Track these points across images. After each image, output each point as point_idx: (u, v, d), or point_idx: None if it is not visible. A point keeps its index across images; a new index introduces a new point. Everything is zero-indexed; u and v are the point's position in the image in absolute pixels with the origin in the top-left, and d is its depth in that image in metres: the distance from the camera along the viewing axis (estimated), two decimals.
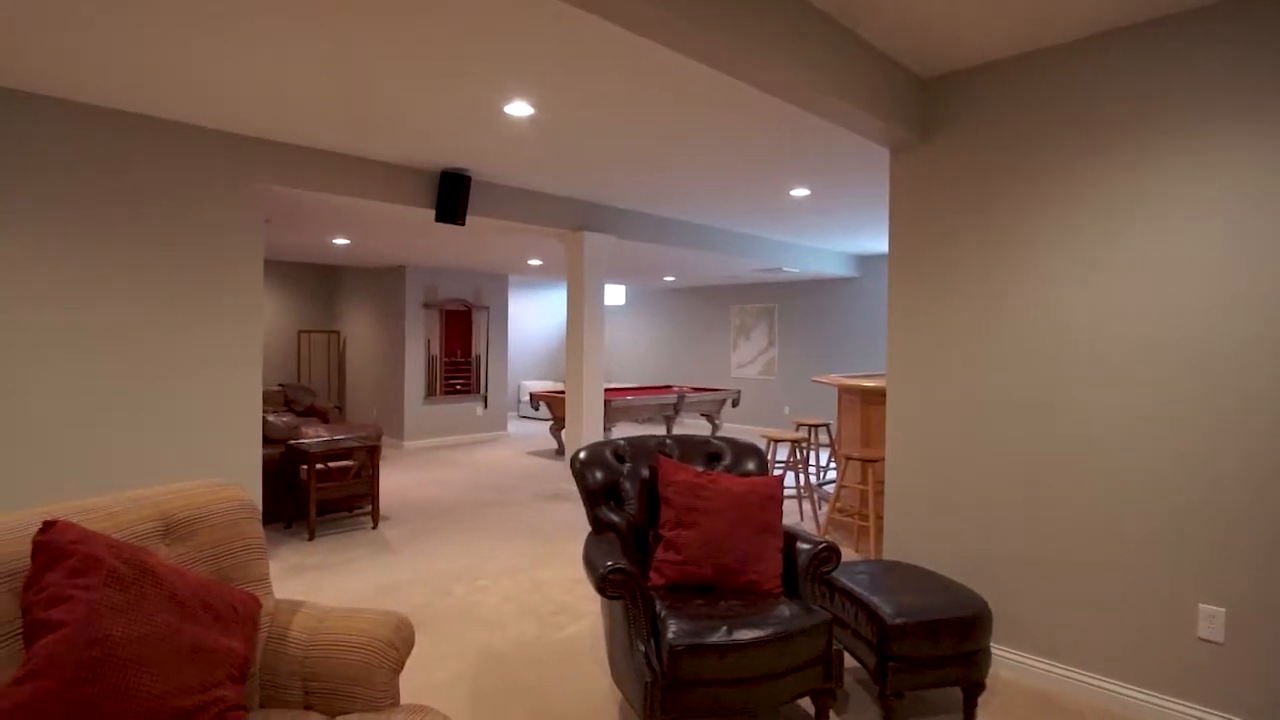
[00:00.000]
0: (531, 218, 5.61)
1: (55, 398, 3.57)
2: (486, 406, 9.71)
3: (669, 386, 10.09)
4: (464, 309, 9.42)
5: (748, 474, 2.99)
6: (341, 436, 5.04)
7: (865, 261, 9.56)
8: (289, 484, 5.14)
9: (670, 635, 2.19)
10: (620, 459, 2.92)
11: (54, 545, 1.46)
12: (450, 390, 9.25)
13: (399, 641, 1.83)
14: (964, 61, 3.06)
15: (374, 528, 5.11)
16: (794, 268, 8.61)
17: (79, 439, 3.65)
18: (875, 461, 4.27)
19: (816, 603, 2.53)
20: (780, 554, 2.65)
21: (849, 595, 2.68)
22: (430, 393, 9.04)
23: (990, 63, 3.04)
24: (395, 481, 6.81)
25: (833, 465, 7.29)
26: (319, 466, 4.89)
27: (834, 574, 2.81)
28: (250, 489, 4.28)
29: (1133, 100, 2.66)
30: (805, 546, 2.62)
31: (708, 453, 3.07)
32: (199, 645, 1.56)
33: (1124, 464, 2.68)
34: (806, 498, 5.71)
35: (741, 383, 10.99)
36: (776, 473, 6.59)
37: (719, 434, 2.92)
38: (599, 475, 2.80)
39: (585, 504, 2.76)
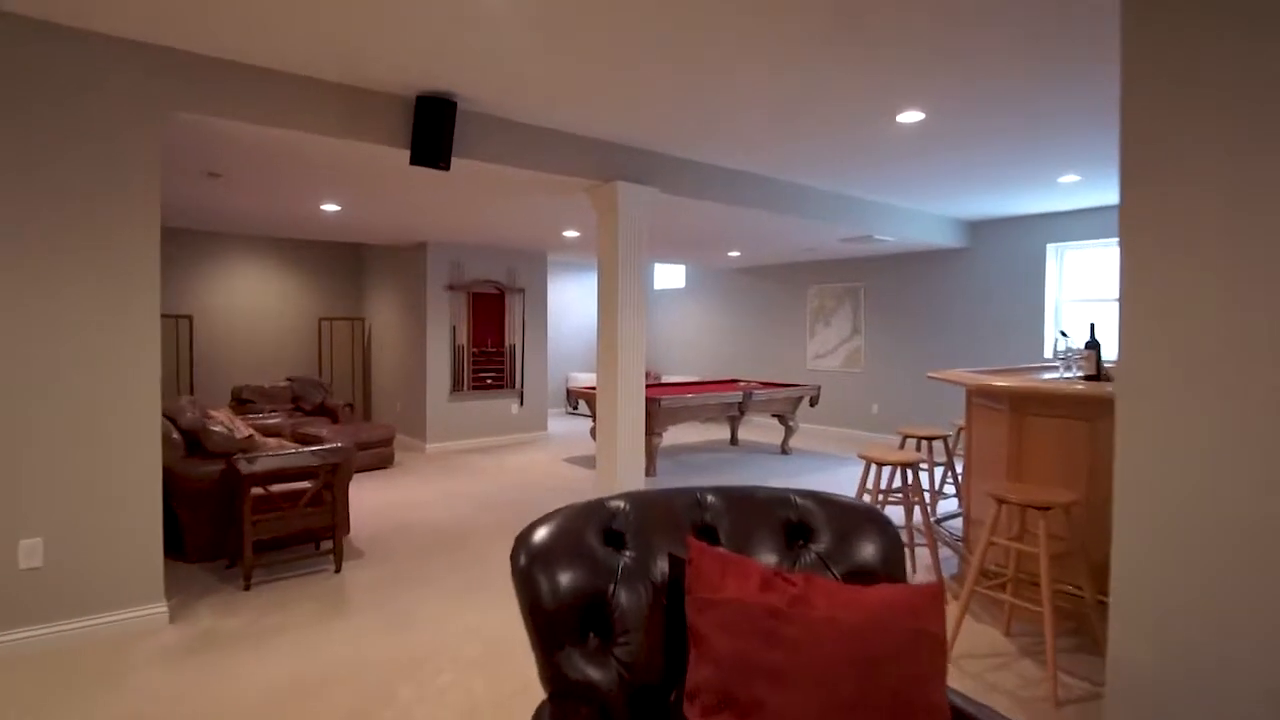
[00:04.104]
0: (544, 162, 4.25)
1: None
2: (522, 403, 8.48)
3: (734, 381, 8.61)
4: (495, 292, 8.19)
5: (863, 573, 1.55)
6: (291, 452, 3.83)
7: (977, 228, 7.80)
8: (232, 511, 3.98)
9: None
10: (615, 540, 1.52)
11: None
12: (480, 385, 8.07)
13: None
14: None
15: (337, 571, 3.90)
16: (887, 236, 6.97)
17: None
18: (1047, 509, 2.72)
19: None
20: None
21: None
22: (456, 388, 7.87)
23: None
24: (397, 495, 5.64)
25: (948, 484, 5.67)
26: (258, 491, 3.70)
27: None
28: (146, 521, 3.12)
29: None
30: None
31: (783, 523, 1.64)
32: None
33: None
34: (923, 544, 4.16)
35: (820, 376, 9.39)
36: (892, 514, 5.04)
37: (803, 493, 1.45)
38: (565, 582, 1.40)
39: (534, 644, 1.37)
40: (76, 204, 2.93)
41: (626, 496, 1.62)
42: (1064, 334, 4.41)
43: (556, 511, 1.52)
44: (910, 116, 4.02)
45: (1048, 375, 4.01)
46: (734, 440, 8.28)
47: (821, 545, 1.59)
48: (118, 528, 3.06)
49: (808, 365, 9.56)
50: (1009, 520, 3.30)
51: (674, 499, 1.65)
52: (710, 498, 1.66)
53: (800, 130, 4.28)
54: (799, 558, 1.58)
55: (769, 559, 1.57)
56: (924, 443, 5.57)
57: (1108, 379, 3.25)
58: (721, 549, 1.50)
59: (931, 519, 4.27)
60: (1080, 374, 3.48)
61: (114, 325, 3.02)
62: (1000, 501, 2.86)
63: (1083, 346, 3.32)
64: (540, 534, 1.45)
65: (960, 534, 4.26)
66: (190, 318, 7.96)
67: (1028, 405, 3.35)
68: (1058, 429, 3.24)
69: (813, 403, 7.70)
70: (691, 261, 9.85)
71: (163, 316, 7.79)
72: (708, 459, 7.32)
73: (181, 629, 3.15)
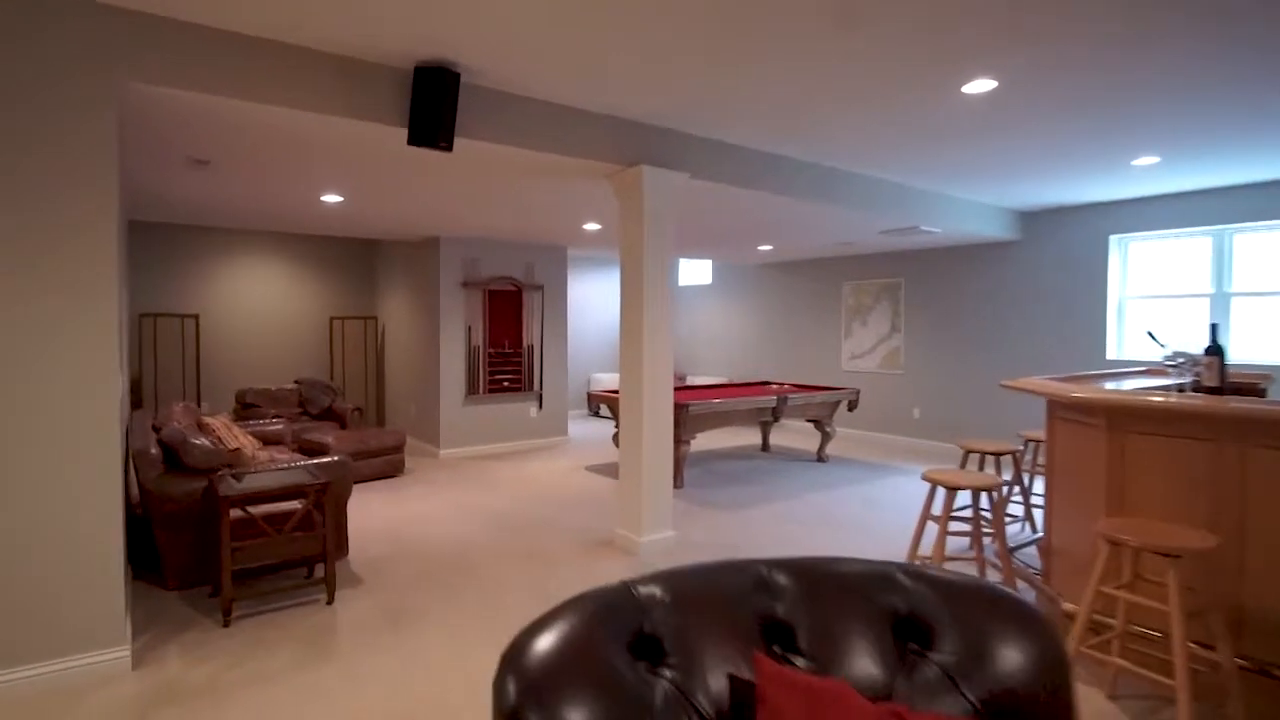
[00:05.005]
0: (559, 144, 3.79)
1: None
2: (541, 406, 8.05)
3: (766, 384, 8.09)
4: (513, 289, 7.76)
5: (1012, 702, 1.06)
6: (277, 468, 3.42)
7: (1030, 219, 7.19)
8: (216, 532, 3.58)
9: None
10: (650, 651, 1.05)
11: None
12: (496, 387, 7.64)
13: None
14: None
15: (329, 603, 3.48)
16: (935, 227, 6.41)
17: None
18: (1175, 556, 2.20)
19: None
20: None
21: None
22: (472, 390, 7.45)
23: None
24: (404, 509, 5.22)
25: (1012, 500, 5.12)
26: (238, 514, 3.29)
27: None
28: (105, 553, 2.72)
29: None
30: None
31: (888, 616, 1.16)
32: None
33: None
34: (1007, 585, 3.64)
35: (856, 378, 8.83)
36: (957, 545, 4.50)
37: (910, 570, 0.94)
38: None
39: None
40: (6, 197, 2.52)
41: (662, 579, 1.14)
42: (1152, 335, 3.87)
43: (563, 609, 1.05)
44: (979, 86, 3.49)
45: (1140, 384, 3.47)
46: (765, 446, 7.77)
47: (946, 653, 1.11)
48: (71, 562, 2.66)
49: (843, 366, 9.00)
50: (1118, 563, 2.76)
51: (728, 580, 1.17)
52: (780, 577, 1.18)
53: (852, 106, 3.77)
54: (915, 672, 1.10)
55: (871, 672, 1.09)
56: (990, 459, 5.03)
57: (1240, 390, 2.71)
58: (802, 665, 1.03)
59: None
60: (1191, 382, 2.94)
61: (60, 336, 2.61)
62: (1113, 544, 2.34)
63: (1202, 352, 2.78)
64: (540, 649, 0.98)
65: (1038, 566, 3.73)
66: (196, 317, 7.63)
67: (1131, 422, 2.82)
68: (1171, 452, 2.71)
69: (851, 407, 7.16)
70: (719, 256, 9.34)
71: (168, 316, 7.47)
72: (738, 467, 6.83)
73: (144, 678, 2.75)
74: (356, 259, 8.87)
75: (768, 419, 6.59)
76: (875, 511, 5.23)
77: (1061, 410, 3.28)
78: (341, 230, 7.34)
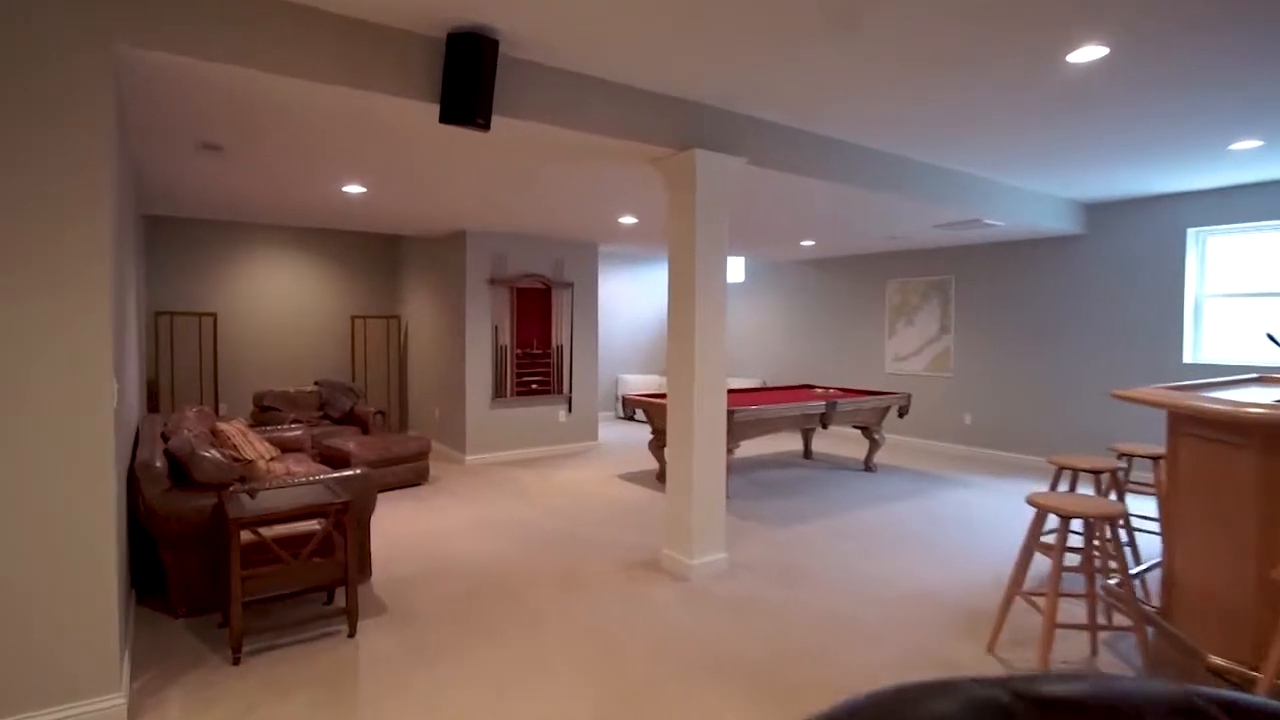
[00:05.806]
0: (606, 124, 3.40)
1: None
2: (570, 410, 7.68)
3: (809, 388, 7.65)
4: (542, 287, 7.39)
5: None
6: (293, 484, 3.07)
7: (1096, 211, 6.69)
8: (225, 556, 3.24)
9: None
10: None
11: None
12: (524, 390, 7.28)
13: None
14: None
15: (350, 635, 3.12)
16: (998, 220, 5.94)
17: None
18: None
19: None
20: None
21: None
22: (499, 393, 7.10)
23: None
24: (430, 523, 4.87)
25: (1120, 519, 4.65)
26: (249, 537, 2.94)
27: None
28: (95, 590, 2.38)
29: None
30: None
31: None
32: None
33: None
34: (1106, 625, 3.18)
35: (901, 381, 8.37)
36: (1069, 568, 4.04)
37: (1220, 698, 0.51)
38: None
39: None
40: (15, 179, 2.19)
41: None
42: (1273, 338, 3.40)
43: None
44: (1087, 54, 3.04)
45: (1268, 394, 3.01)
46: (808, 453, 7.34)
47: None
48: (57, 597, 2.32)
49: (886, 369, 8.54)
50: None
51: (943, 711, 0.77)
52: (1024, 711, 0.78)
53: (939, 81, 3.34)
54: None
55: None
56: (1085, 477, 4.59)
57: None
58: None
59: (1111, 585, 3.27)
60: None
61: (50, 340, 2.27)
62: None
63: None
64: None
65: (1144, 599, 3.28)
66: (214, 315, 7.36)
67: None
68: None
69: (902, 413, 6.71)
70: (756, 253, 8.92)
71: (185, 314, 7.20)
72: (783, 476, 6.41)
73: None
74: (379, 255, 8.57)
75: (813, 425, 6.16)
76: (941, 530, 4.79)
77: (1190, 426, 2.83)
78: (363, 225, 7.02)
